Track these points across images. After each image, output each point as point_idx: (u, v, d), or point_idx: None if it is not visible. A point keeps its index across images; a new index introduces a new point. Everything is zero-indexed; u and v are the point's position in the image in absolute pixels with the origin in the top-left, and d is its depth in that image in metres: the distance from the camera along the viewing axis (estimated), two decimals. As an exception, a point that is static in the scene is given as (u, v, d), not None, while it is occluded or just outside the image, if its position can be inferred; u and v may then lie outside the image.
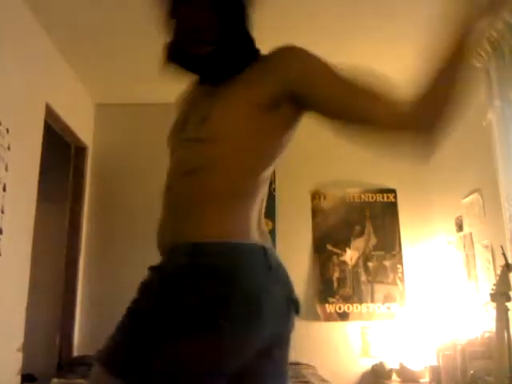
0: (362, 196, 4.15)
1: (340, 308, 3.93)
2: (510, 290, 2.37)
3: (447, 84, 1.03)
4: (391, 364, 3.63)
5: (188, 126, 1.19)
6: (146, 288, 1.09)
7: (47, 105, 3.32)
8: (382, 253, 4.05)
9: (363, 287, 3.99)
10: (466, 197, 3.46)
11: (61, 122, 3.60)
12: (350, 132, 1.15)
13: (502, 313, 2.34)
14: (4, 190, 2.69)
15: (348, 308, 3.94)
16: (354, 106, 1.11)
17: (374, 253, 4.05)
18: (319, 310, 3.85)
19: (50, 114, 3.38)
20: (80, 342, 3.84)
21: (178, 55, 1.24)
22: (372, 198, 4.15)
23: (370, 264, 4.03)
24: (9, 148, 2.75)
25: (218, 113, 1.12)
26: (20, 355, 2.92)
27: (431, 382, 3.19)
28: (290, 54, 1.16)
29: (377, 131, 1.11)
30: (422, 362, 3.50)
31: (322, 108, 1.17)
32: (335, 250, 4.06)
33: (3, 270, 2.68)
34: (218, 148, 1.10)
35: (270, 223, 3.93)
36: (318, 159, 4.17)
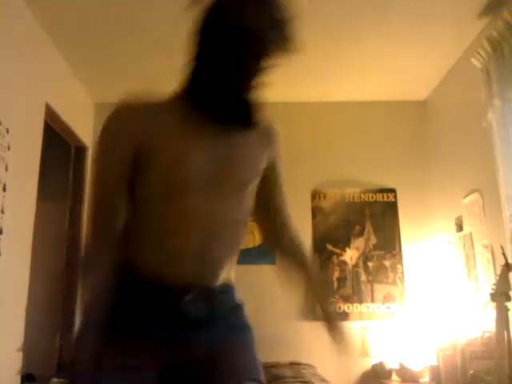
0: (362, 196, 4.15)
1: (340, 308, 3.93)
2: (509, 289, 2.37)
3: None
4: (391, 364, 3.62)
5: (227, 181, 1.16)
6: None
7: (47, 105, 3.32)
8: (382, 253, 4.05)
9: (363, 287, 3.99)
10: (466, 197, 3.46)
11: (61, 121, 3.60)
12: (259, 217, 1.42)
13: (501, 313, 2.34)
14: (4, 190, 2.69)
15: (348, 308, 3.94)
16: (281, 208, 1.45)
17: (373, 253, 4.06)
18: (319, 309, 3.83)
19: (50, 113, 3.38)
20: (80, 341, 3.83)
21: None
22: (372, 197, 4.15)
23: (370, 264, 4.03)
24: (9, 148, 2.75)
25: (251, 176, 1.23)
26: (20, 355, 2.92)
27: (431, 381, 3.19)
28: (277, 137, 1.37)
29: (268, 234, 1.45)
30: (421, 361, 3.50)
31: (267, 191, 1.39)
32: (335, 250, 4.06)
33: (3, 270, 2.68)
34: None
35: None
36: (318, 159, 4.17)
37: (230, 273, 1.24)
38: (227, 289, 1.22)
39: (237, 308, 1.25)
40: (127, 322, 1.11)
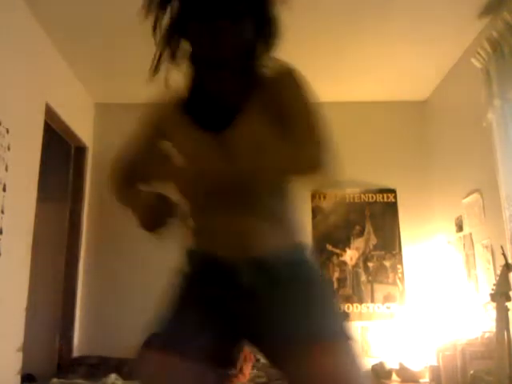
0: (362, 196, 4.15)
1: (340, 308, 3.93)
2: (509, 289, 2.37)
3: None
4: (391, 364, 3.62)
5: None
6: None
7: (47, 105, 3.32)
8: (382, 253, 4.05)
9: (363, 287, 3.99)
10: (466, 197, 3.46)
11: (61, 121, 3.60)
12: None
13: (501, 313, 2.34)
14: (4, 190, 2.69)
15: (348, 308, 3.94)
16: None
17: (373, 253, 4.06)
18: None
19: (50, 113, 3.38)
20: (80, 342, 3.83)
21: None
22: (372, 198, 4.15)
23: (370, 264, 4.03)
24: (9, 148, 2.75)
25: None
26: (20, 355, 2.92)
27: (431, 382, 3.19)
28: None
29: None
30: (421, 361, 3.50)
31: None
32: (335, 250, 4.06)
33: (3, 269, 2.68)
34: None
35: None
36: (318, 159, 4.16)
37: (288, 234, 1.23)
38: (283, 253, 1.19)
39: (297, 269, 1.19)
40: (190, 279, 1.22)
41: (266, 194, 1.19)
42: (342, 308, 3.93)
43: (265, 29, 1.19)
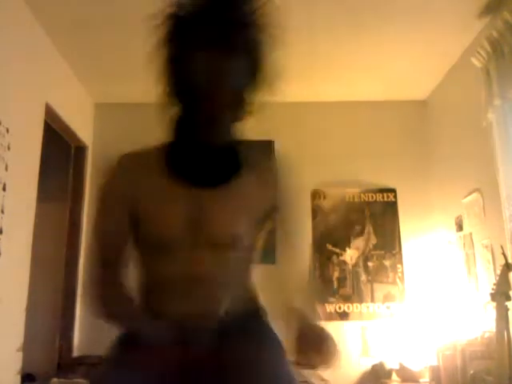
0: (362, 196, 4.14)
1: (340, 308, 3.93)
2: (509, 289, 2.37)
3: None
4: (391, 364, 3.62)
5: (207, 237, 1.15)
6: None
7: (47, 105, 3.32)
8: (382, 252, 4.05)
9: (363, 287, 3.99)
10: (466, 196, 3.46)
11: (61, 121, 3.60)
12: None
13: (502, 312, 2.34)
14: (4, 189, 2.69)
15: (348, 308, 3.94)
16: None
17: (373, 252, 4.06)
18: (319, 309, 3.85)
19: (50, 113, 3.38)
20: (80, 342, 3.83)
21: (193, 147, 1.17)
22: (372, 197, 4.15)
23: (370, 264, 4.03)
24: (9, 148, 2.75)
25: (240, 229, 1.18)
26: (20, 355, 2.92)
27: (431, 381, 3.19)
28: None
29: None
30: (421, 361, 3.50)
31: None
32: (335, 250, 4.06)
33: (3, 270, 2.68)
34: None
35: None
36: (318, 159, 4.16)
37: (246, 292, 1.23)
38: (241, 313, 1.19)
39: (254, 328, 1.20)
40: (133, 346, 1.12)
41: (232, 260, 1.17)
42: (341, 308, 3.93)
43: (259, 72, 1.15)
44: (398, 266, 4.01)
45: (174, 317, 1.13)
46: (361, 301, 3.96)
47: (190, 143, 1.16)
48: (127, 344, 1.14)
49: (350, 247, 4.06)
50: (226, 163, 1.18)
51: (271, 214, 1.23)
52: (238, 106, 1.14)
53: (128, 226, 1.18)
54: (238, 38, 1.09)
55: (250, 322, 1.19)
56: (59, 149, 3.98)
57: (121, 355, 1.15)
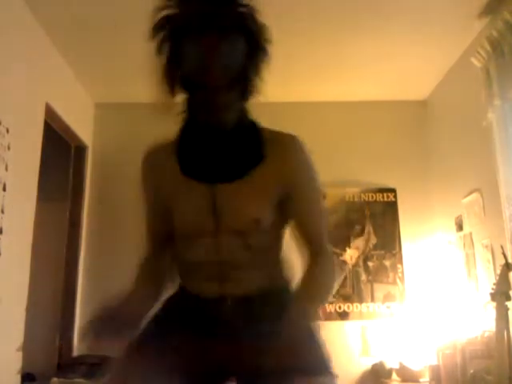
0: (362, 195, 4.15)
1: (340, 307, 3.93)
2: (509, 289, 2.38)
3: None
4: (391, 363, 3.63)
5: (226, 222, 1.20)
6: None
7: (47, 105, 3.32)
8: (382, 252, 4.05)
9: (363, 287, 3.99)
10: (466, 196, 3.46)
11: (61, 121, 3.60)
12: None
13: (502, 312, 2.34)
14: (4, 189, 2.69)
15: (348, 307, 3.94)
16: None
17: (373, 252, 4.06)
18: (319, 309, 3.84)
19: (50, 113, 3.38)
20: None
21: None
22: (372, 197, 4.15)
23: (370, 263, 4.03)
24: (9, 148, 2.75)
25: (258, 213, 1.22)
26: (20, 355, 2.92)
27: (431, 381, 3.19)
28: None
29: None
30: (421, 361, 3.50)
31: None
32: (335, 250, 4.06)
33: (3, 270, 2.69)
34: None
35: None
36: (318, 159, 4.15)
37: (276, 274, 1.27)
38: (269, 293, 1.22)
39: (279, 305, 1.19)
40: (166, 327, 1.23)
41: (254, 243, 1.21)
42: (341, 307, 3.93)
43: (256, 51, 1.15)
44: (398, 265, 4.02)
45: (206, 297, 1.21)
46: (361, 300, 3.96)
47: (201, 130, 1.18)
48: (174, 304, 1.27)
49: (349, 247, 4.06)
50: (241, 151, 1.19)
51: (291, 194, 1.26)
52: (240, 84, 1.14)
53: (165, 214, 1.28)
54: (228, 16, 1.09)
55: (276, 299, 1.22)
56: (59, 149, 3.98)
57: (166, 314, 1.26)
